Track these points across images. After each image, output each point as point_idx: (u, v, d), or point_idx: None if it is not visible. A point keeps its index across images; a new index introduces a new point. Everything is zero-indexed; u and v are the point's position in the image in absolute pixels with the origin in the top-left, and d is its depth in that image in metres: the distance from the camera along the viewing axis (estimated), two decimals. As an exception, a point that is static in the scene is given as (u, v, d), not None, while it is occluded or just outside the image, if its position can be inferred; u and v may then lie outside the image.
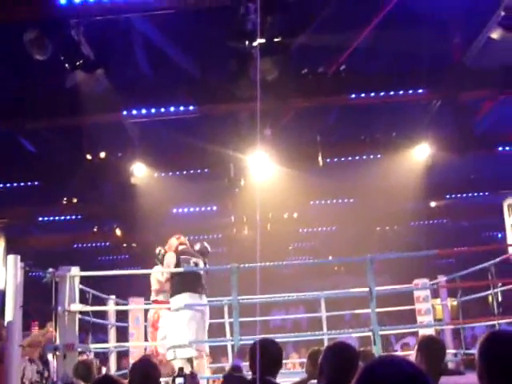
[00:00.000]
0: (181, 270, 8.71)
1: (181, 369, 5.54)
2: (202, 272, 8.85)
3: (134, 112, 10.89)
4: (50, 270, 7.62)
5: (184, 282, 8.70)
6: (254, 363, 4.83)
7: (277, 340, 4.97)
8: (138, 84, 11.64)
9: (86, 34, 9.37)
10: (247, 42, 8.86)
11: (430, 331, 9.65)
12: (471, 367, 3.52)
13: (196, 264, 8.86)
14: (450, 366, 9.10)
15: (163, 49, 11.79)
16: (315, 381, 4.50)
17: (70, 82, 9.59)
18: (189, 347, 8.39)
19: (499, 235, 18.74)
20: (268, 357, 4.75)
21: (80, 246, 18.95)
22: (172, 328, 8.56)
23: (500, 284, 9.47)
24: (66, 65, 9.29)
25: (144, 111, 10.85)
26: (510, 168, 15.20)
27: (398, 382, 1.85)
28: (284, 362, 5.13)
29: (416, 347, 5.77)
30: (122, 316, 11.33)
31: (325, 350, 4.23)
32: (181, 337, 8.44)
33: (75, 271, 7.98)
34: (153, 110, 10.81)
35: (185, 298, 8.59)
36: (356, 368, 4.53)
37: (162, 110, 10.78)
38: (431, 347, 5.67)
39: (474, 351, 3.22)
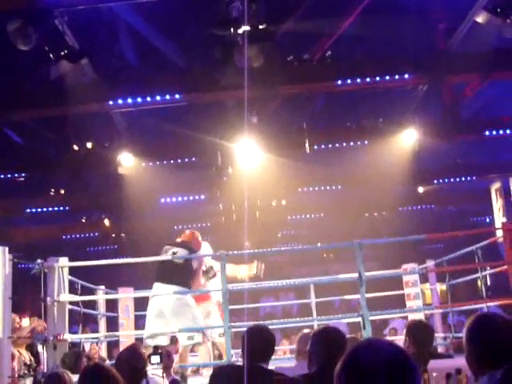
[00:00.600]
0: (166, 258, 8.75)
1: (156, 347, 5.60)
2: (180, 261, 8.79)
3: (120, 101, 10.84)
4: (39, 261, 7.60)
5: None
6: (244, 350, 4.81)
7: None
8: (124, 73, 11.60)
9: (71, 23, 9.33)
10: (232, 30, 8.83)
11: (420, 316, 9.69)
12: (460, 351, 3.54)
13: (174, 253, 8.81)
14: (440, 349, 9.16)
15: (148, 38, 11.74)
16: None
17: (54, 72, 9.54)
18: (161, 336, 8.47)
19: (487, 220, 18.82)
20: (260, 343, 4.75)
21: (68, 237, 18.87)
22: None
23: (488, 267, 9.52)
24: (51, 55, 9.24)
25: (130, 100, 10.79)
26: (497, 152, 15.27)
27: (382, 365, 1.85)
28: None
29: (404, 332, 5.81)
30: (112, 306, 11.34)
31: (312, 335, 4.23)
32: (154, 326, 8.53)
33: (64, 262, 7.96)
34: (139, 100, 10.76)
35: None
36: (344, 352, 4.56)
37: (148, 99, 10.73)
38: (420, 331, 5.70)
39: (463, 335, 3.24)
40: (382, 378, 1.82)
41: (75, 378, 5.87)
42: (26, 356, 8.67)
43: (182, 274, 8.57)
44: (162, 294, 8.44)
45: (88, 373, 4.37)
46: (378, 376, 1.83)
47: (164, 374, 5.38)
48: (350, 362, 1.91)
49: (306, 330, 6.96)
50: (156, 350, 5.48)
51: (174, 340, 8.67)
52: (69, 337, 7.91)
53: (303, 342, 6.11)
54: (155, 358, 5.32)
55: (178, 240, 9.21)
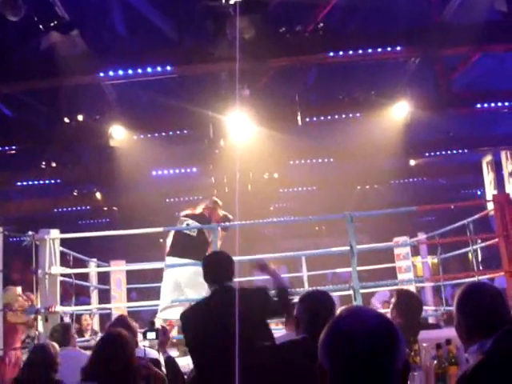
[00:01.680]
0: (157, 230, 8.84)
1: (152, 323, 5.62)
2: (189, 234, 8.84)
3: (111, 73, 10.72)
4: (30, 233, 7.60)
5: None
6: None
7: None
8: (115, 45, 11.50)
9: (61, -7, 9.23)
10: (223, 1, 8.75)
11: (411, 288, 9.75)
12: (451, 323, 3.56)
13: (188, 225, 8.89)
14: (431, 321, 9.22)
15: (139, 9, 11.65)
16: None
17: (44, 43, 9.44)
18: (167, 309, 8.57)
19: (478, 192, 18.87)
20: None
21: (60, 210, 18.83)
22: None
23: (480, 241, 9.56)
24: (41, 26, 9.14)
25: (121, 72, 10.68)
26: (489, 125, 15.27)
27: (364, 335, 1.84)
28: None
29: (392, 302, 5.83)
30: (104, 279, 11.37)
31: (298, 301, 4.21)
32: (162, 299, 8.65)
33: (55, 234, 7.96)
34: (130, 71, 10.64)
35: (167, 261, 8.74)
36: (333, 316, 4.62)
37: (139, 70, 10.62)
38: (407, 301, 5.72)
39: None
40: (366, 347, 1.82)
41: (64, 350, 5.90)
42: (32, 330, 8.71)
43: (195, 247, 8.66)
44: (175, 267, 8.54)
45: (109, 339, 4.38)
46: (363, 344, 1.82)
47: (159, 350, 5.38)
48: (333, 330, 1.90)
49: (296, 300, 7.00)
50: (152, 326, 5.48)
51: None
52: (60, 309, 7.93)
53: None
54: (151, 335, 5.32)
55: (195, 212, 9.18)
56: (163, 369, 5.16)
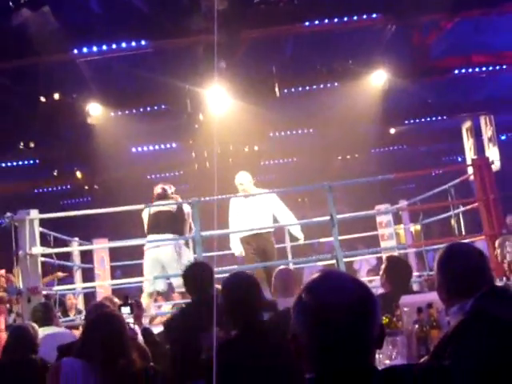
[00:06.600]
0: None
1: (126, 297, 5.71)
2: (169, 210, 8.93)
3: (85, 50, 10.63)
4: (8, 214, 7.54)
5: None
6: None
7: (245, 271, 5.01)
8: (88, 21, 11.35)
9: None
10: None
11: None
12: (434, 288, 3.56)
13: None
14: (415, 287, 9.27)
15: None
16: None
17: (15, 20, 9.31)
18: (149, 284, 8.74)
19: (459, 159, 18.93)
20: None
21: (41, 190, 18.72)
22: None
23: (461, 205, 9.59)
24: (10, 3, 9.02)
25: (95, 49, 10.59)
26: (467, 91, 15.28)
27: (341, 305, 1.82)
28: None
29: (382, 268, 5.84)
30: (87, 258, 11.32)
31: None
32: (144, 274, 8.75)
33: (34, 214, 7.91)
34: (104, 47, 10.56)
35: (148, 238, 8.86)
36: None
37: (114, 46, 10.53)
38: (397, 268, 5.75)
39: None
40: (343, 318, 1.80)
41: (47, 330, 5.89)
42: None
43: (175, 223, 8.83)
44: (155, 245, 8.63)
45: (101, 319, 4.37)
46: (339, 315, 1.80)
47: (135, 323, 5.46)
48: (308, 301, 1.87)
49: (282, 267, 7.05)
50: (126, 300, 5.57)
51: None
52: (43, 289, 7.91)
53: (279, 278, 6.21)
54: (125, 309, 5.45)
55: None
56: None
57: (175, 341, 5.11)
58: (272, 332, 3.83)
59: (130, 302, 5.59)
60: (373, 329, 1.85)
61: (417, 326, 4.00)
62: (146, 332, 5.43)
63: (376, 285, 7.45)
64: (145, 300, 8.40)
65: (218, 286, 4.35)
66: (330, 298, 1.83)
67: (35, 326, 5.53)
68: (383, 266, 5.84)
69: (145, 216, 9.06)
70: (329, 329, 1.80)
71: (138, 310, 5.57)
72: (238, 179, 9.32)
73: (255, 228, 8.96)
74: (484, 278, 3.06)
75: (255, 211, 9.17)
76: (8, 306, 8.52)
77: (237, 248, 9.30)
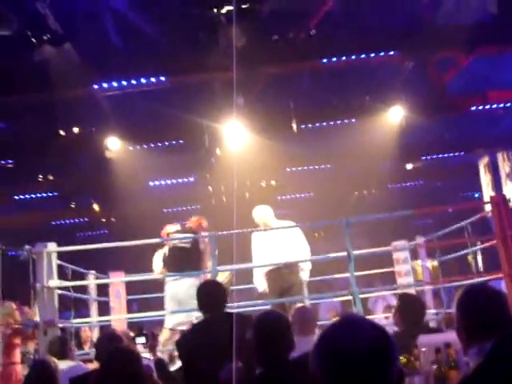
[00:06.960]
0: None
1: (140, 328, 5.75)
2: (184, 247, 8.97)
3: (105, 85, 10.74)
4: (27, 247, 7.59)
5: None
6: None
7: (261, 306, 5.06)
8: (108, 57, 11.48)
9: (53, 6, 9.21)
10: (215, 10, 8.76)
11: (411, 292, 9.73)
12: (452, 326, 3.55)
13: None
14: (432, 324, 9.20)
15: (132, 20, 11.63)
16: None
17: (37, 56, 9.44)
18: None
19: (476, 195, 18.84)
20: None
21: (58, 223, 18.81)
22: None
23: (479, 242, 9.54)
24: (33, 39, 9.14)
25: (115, 84, 10.70)
26: (485, 127, 15.27)
27: (360, 351, 1.81)
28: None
29: (395, 306, 5.82)
30: (103, 291, 11.33)
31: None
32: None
33: (52, 247, 7.95)
34: (124, 83, 10.67)
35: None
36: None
37: (133, 82, 10.65)
38: (410, 306, 5.72)
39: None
40: (362, 364, 1.80)
41: (62, 364, 5.89)
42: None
43: (190, 260, 8.86)
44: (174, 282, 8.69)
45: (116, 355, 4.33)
46: (359, 362, 1.80)
47: (150, 354, 5.47)
48: (328, 346, 1.87)
49: (300, 305, 7.04)
50: (141, 331, 5.59)
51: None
52: (60, 322, 7.92)
53: (297, 317, 6.18)
54: (140, 339, 5.46)
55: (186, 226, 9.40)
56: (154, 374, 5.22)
57: (189, 365, 5.11)
58: (299, 372, 3.81)
59: (144, 332, 5.61)
60: (392, 374, 1.84)
61: (435, 366, 3.97)
62: (160, 364, 5.40)
63: (391, 322, 7.42)
64: (164, 334, 8.39)
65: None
66: (350, 346, 1.83)
67: (56, 360, 5.54)
68: (396, 305, 5.83)
69: (161, 251, 9.12)
70: (347, 376, 1.80)
71: (152, 341, 5.58)
72: (256, 213, 9.31)
73: (280, 262, 8.86)
74: (503, 319, 3.04)
75: (281, 245, 9.10)
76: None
77: (261, 284, 9.08)
